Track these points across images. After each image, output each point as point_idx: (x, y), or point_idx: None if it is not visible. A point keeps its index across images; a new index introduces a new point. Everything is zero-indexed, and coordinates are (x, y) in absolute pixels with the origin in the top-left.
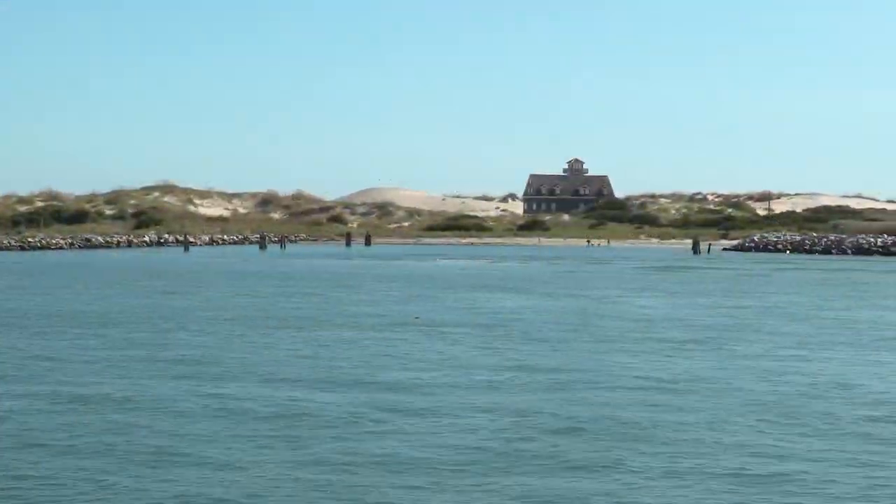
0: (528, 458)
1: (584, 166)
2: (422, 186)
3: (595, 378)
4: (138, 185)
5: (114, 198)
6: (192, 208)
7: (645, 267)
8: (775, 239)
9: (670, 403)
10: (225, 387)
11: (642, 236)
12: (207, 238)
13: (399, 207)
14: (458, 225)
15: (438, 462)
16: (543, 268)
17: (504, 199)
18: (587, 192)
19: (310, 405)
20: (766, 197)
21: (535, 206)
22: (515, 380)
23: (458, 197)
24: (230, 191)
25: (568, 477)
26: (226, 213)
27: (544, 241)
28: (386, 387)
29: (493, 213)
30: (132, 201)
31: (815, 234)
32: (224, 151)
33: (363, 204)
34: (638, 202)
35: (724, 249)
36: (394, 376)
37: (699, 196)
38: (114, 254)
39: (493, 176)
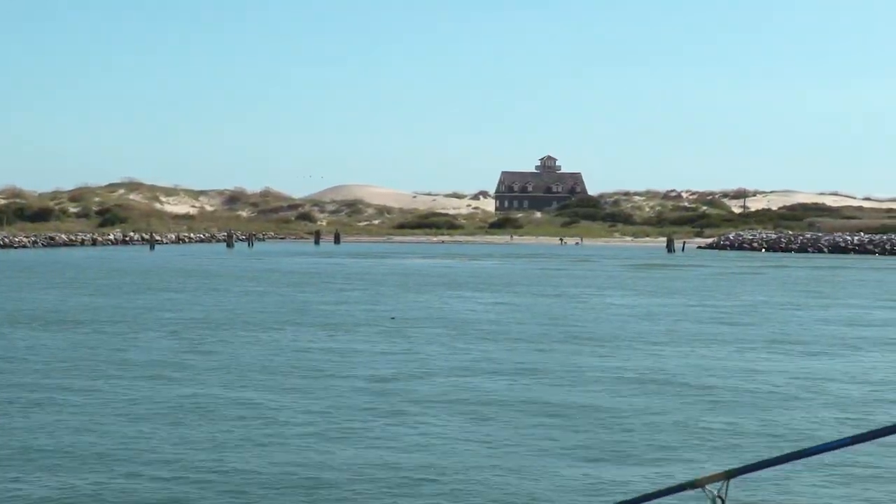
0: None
1: (557, 163)
2: (392, 184)
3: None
4: (103, 183)
5: (78, 195)
6: (158, 206)
7: (628, 265)
8: (751, 237)
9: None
10: (174, 388)
11: (616, 234)
12: (174, 236)
13: (369, 205)
14: (428, 223)
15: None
16: (523, 266)
17: (476, 197)
18: (560, 189)
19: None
20: (741, 194)
21: (507, 204)
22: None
23: (429, 194)
24: (197, 188)
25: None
26: (192, 211)
27: (517, 239)
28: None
29: (464, 211)
30: (97, 199)
31: (790, 232)
32: (191, 148)
33: (332, 202)
34: (611, 200)
35: (699, 248)
36: (361, 375)
37: (673, 193)
38: (78, 252)
39: (465, 173)
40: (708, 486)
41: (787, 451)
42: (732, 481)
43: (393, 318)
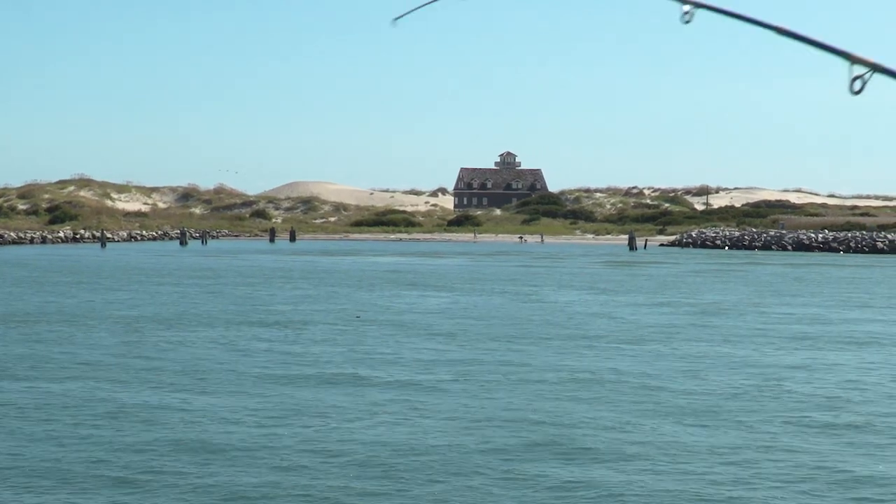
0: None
1: (517, 160)
2: (349, 180)
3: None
4: (53, 179)
5: (27, 192)
6: (109, 203)
7: (599, 263)
8: (714, 234)
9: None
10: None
11: (577, 232)
12: (125, 234)
13: (325, 202)
14: (386, 220)
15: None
16: (492, 264)
17: (434, 194)
18: (520, 186)
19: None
20: (703, 191)
21: (465, 201)
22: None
23: (386, 191)
24: (149, 185)
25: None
26: (144, 208)
27: (480, 237)
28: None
29: (422, 208)
30: (46, 195)
31: (754, 230)
32: (142, 144)
33: (288, 198)
34: (572, 197)
35: (661, 245)
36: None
37: (635, 191)
38: (27, 250)
39: (423, 170)
40: (855, 67)
41: None
42: None
43: (358, 317)
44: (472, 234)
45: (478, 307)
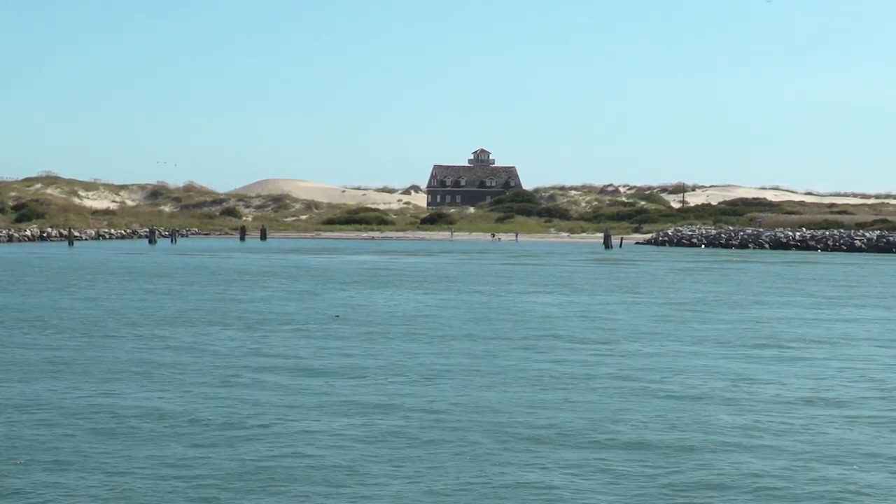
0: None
1: (491, 157)
2: (320, 178)
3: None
4: (19, 177)
5: None
6: (76, 201)
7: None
8: (690, 233)
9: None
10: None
11: (552, 230)
12: (93, 232)
13: (296, 200)
14: (358, 218)
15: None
16: (470, 263)
17: (407, 192)
18: (494, 183)
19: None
20: (680, 189)
21: (439, 199)
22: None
23: (358, 189)
24: (117, 182)
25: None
26: (113, 206)
27: (457, 235)
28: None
29: (395, 206)
30: (12, 193)
31: (731, 228)
32: (111, 141)
33: (258, 196)
34: (547, 195)
35: (637, 244)
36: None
37: (611, 188)
38: None
39: (396, 167)
40: None
41: None
42: None
43: (337, 317)
44: (449, 233)
45: (477, 307)
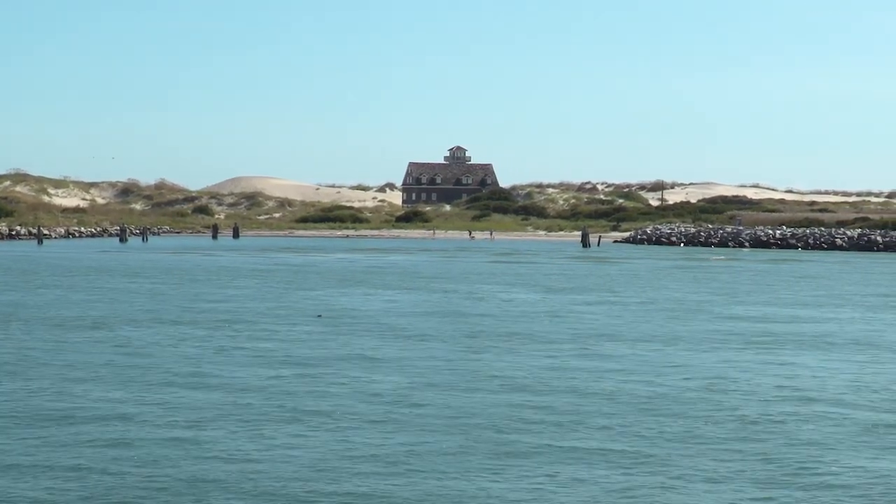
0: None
1: (467, 154)
2: (294, 175)
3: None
4: None
5: None
6: (46, 198)
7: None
8: (669, 231)
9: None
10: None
11: (529, 228)
12: (63, 230)
13: (269, 197)
14: (333, 216)
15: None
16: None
17: (382, 189)
18: (470, 181)
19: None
20: (659, 186)
21: (414, 197)
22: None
23: (333, 186)
24: (87, 180)
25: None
26: (83, 204)
27: (439, 234)
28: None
29: (370, 204)
30: None
31: (710, 226)
32: (81, 138)
33: (231, 194)
34: (524, 192)
35: (615, 242)
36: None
37: (588, 186)
38: None
39: (371, 164)
40: None
41: None
42: None
43: (320, 316)
44: (432, 232)
45: (473, 307)
